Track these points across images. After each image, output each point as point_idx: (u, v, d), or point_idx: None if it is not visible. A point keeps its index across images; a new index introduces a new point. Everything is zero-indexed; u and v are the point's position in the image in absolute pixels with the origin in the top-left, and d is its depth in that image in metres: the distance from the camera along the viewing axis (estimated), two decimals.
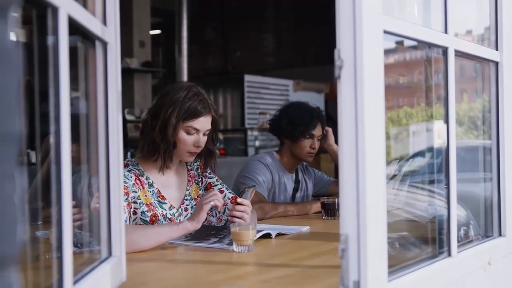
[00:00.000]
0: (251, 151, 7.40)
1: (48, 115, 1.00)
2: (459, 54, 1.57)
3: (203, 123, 2.23)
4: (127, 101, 7.44)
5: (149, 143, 2.23)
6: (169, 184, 2.32)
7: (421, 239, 1.71)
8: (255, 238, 1.94)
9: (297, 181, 3.17)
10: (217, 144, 2.41)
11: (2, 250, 0.55)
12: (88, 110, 1.36)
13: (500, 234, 1.81)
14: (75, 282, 1.09)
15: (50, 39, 1.00)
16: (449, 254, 1.51)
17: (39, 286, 1.10)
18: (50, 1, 0.96)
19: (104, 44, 1.35)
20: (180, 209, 2.32)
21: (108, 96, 1.36)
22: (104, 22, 1.35)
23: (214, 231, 2.18)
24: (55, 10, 0.99)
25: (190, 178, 2.41)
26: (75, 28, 1.10)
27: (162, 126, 2.19)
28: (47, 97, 1.01)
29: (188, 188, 2.38)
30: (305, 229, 2.38)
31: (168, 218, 2.26)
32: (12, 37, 0.61)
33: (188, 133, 2.22)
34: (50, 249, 1.42)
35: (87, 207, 1.51)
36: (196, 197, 2.40)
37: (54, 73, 1.00)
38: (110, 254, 1.37)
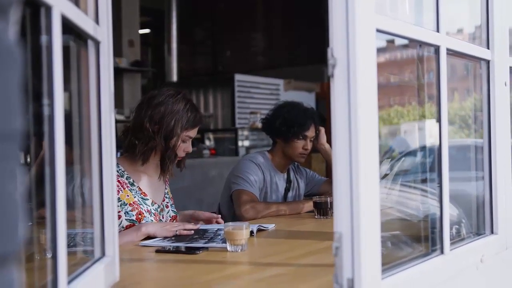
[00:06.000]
0: (241, 151, 7.39)
1: (41, 115, 0.99)
2: (450, 52, 1.58)
3: (196, 131, 2.36)
4: (116, 101, 7.34)
5: (151, 150, 2.28)
6: (149, 183, 2.39)
7: (413, 237, 1.71)
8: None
9: (288, 181, 3.17)
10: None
11: (4, 248, 0.55)
12: (80, 110, 1.35)
13: (492, 232, 1.82)
14: (69, 282, 1.08)
15: (43, 38, 1.00)
16: (442, 252, 1.52)
17: (33, 286, 1.10)
18: (44, 0, 0.95)
19: (97, 44, 1.34)
20: (162, 205, 2.40)
21: (100, 96, 1.36)
22: (97, 21, 1.34)
23: (201, 233, 2.17)
24: (48, 9, 0.98)
25: (166, 179, 2.50)
26: (67, 27, 1.09)
27: (166, 135, 2.26)
28: (40, 96, 1.00)
29: (166, 187, 2.49)
30: (271, 226, 2.38)
31: (153, 213, 2.31)
32: (13, 36, 0.61)
33: (184, 141, 2.31)
34: (40, 250, 1.41)
35: (79, 208, 1.50)
36: (170, 197, 2.51)
37: (48, 73, 0.99)
38: (103, 254, 1.37)
